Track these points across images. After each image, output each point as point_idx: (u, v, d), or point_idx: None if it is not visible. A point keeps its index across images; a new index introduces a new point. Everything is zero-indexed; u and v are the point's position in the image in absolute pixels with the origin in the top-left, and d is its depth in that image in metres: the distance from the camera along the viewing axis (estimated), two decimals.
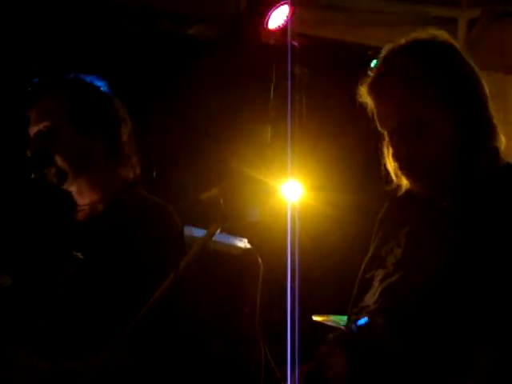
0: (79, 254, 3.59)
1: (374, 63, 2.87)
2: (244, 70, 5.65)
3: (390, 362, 2.76)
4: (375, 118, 2.86)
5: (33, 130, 3.69)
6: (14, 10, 5.40)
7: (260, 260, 4.21)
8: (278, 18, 5.38)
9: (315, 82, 5.15)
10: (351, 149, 4.69)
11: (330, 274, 4.52)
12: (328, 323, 4.11)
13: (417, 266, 2.81)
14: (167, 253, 3.42)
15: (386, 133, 2.85)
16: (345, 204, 4.88)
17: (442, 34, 2.89)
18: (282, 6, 5.35)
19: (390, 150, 2.86)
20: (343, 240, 4.60)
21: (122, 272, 3.45)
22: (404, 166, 2.83)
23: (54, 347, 3.51)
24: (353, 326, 2.87)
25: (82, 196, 3.70)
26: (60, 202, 3.77)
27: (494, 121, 2.84)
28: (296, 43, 5.14)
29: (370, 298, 2.88)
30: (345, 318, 3.09)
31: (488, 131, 2.83)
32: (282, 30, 5.36)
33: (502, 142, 2.86)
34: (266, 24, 5.40)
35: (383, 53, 2.86)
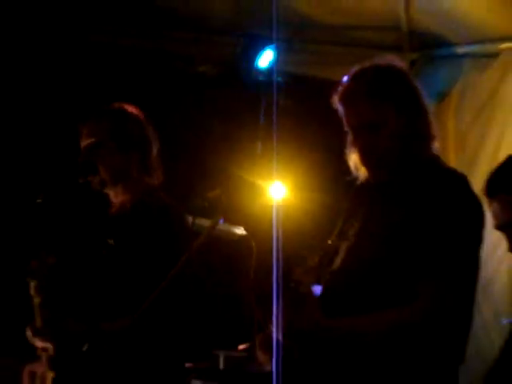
0: (111, 241, 3.61)
1: (344, 79, 2.91)
2: (240, 100, 5.66)
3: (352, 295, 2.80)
4: (343, 119, 2.90)
5: (83, 143, 3.71)
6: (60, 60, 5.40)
7: (253, 244, 4.23)
8: (265, 59, 5.38)
9: (295, 108, 5.16)
10: (323, 158, 4.72)
11: (307, 253, 4.53)
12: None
13: (370, 233, 2.85)
14: (176, 240, 3.45)
15: (350, 132, 2.89)
16: (318, 200, 4.90)
17: (397, 61, 2.95)
18: (268, 51, 5.35)
19: (352, 147, 2.90)
20: (317, 227, 4.62)
21: (143, 254, 3.48)
22: (362, 156, 2.86)
23: (89, 312, 3.53)
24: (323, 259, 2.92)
25: (116, 197, 3.71)
26: (99, 202, 3.79)
27: (432, 127, 2.89)
28: (280, 79, 5.15)
29: (339, 259, 2.93)
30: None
31: (427, 133, 2.88)
32: (269, 69, 5.37)
33: (437, 144, 2.91)
34: (257, 64, 5.40)
35: (352, 71, 2.91)
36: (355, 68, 2.91)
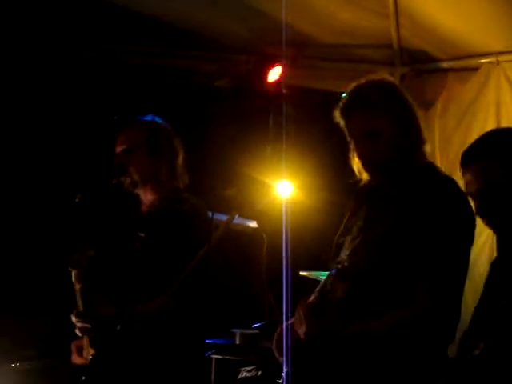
0: (142, 234, 3.60)
1: (343, 95, 2.89)
2: (252, 109, 5.64)
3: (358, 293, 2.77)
4: (345, 131, 2.88)
5: (118, 148, 3.70)
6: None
7: (264, 236, 4.21)
8: (274, 74, 5.36)
9: (300, 116, 5.13)
10: (325, 159, 4.70)
11: (312, 243, 4.51)
12: (310, 277, 4.11)
13: (372, 231, 2.82)
14: (198, 232, 3.43)
15: (352, 141, 2.87)
16: (322, 197, 4.88)
17: (389, 77, 2.93)
18: (277, 66, 5.34)
19: (355, 154, 2.88)
20: (322, 221, 4.60)
21: (169, 245, 3.47)
22: (364, 162, 2.85)
23: (122, 296, 3.51)
24: (333, 271, 2.89)
25: (145, 197, 3.70)
26: (130, 201, 3.78)
27: (424, 134, 2.87)
28: (286, 91, 5.13)
29: (344, 254, 2.90)
30: (321, 273, 3.09)
31: (419, 139, 2.86)
32: (277, 82, 5.35)
33: (428, 147, 2.89)
34: (267, 78, 5.39)
35: (350, 87, 2.89)
36: (352, 84, 2.89)
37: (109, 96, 5.45)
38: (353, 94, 2.87)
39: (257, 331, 4.58)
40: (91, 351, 3.54)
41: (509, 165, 2.54)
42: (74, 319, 3.54)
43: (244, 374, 4.45)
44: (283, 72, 5.30)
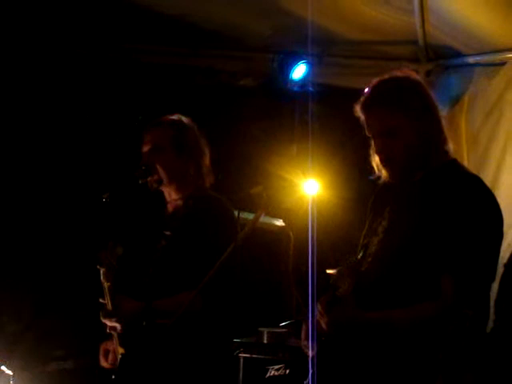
0: (168, 233, 3.61)
1: (365, 90, 2.88)
2: (277, 108, 5.64)
3: (383, 288, 2.77)
4: (364, 126, 2.88)
5: (145, 148, 3.71)
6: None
7: (291, 234, 4.20)
8: (299, 72, 5.36)
9: (325, 114, 5.13)
10: (352, 157, 4.69)
11: (338, 242, 4.51)
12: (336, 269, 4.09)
13: (397, 230, 2.82)
14: (224, 229, 3.43)
15: (371, 137, 2.86)
16: (347, 195, 4.87)
17: (413, 74, 2.92)
18: (302, 64, 5.34)
19: (374, 150, 2.87)
20: (347, 219, 4.59)
21: (195, 243, 3.48)
22: (383, 159, 2.84)
23: (148, 293, 3.52)
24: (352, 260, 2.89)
25: (170, 196, 3.72)
26: (156, 199, 3.79)
27: (445, 132, 2.85)
28: (311, 88, 5.13)
29: (369, 255, 2.89)
30: None
31: (440, 138, 2.85)
32: (303, 80, 5.34)
33: (451, 146, 2.87)
34: (291, 77, 5.38)
35: (372, 83, 2.88)
36: (375, 80, 2.89)
37: (134, 96, 5.47)
38: (374, 90, 2.86)
39: (284, 330, 4.58)
40: (120, 350, 3.55)
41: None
42: (103, 319, 3.55)
43: (272, 372, 4.45)
44: (308, 70, 5.30)
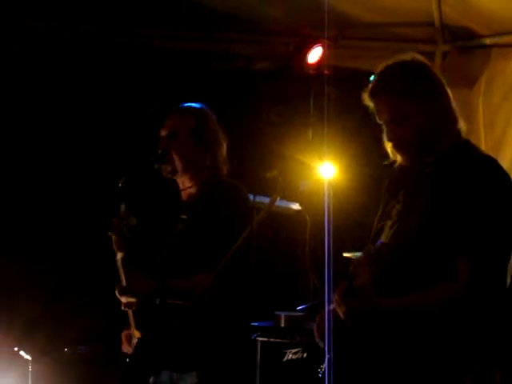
0: (184, 216, 3.60)
1: (372, 77, 2.86)
2: (293, 91, 5.63)
3: (400, 273, 2.75)
4: (375, 114, 2.86)
5: (163, 132, 3.70)
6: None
7: (307, 217, 4.18)
8: (315, 55, 5.34)
9: (341, 97, 5.12)
10: (368, 140, 4.67)
11: (354, 225, 4.50)
12: (353, 258, 4.09)
13: (411, 213, 2.80)
14: (239, 213, 3.42)
15: (382, 124, 2.85)
16: (363, 178, 4.86)
17: (419, 57, 2.89)
18: (318, 47, 5.31)
19: (386, 136, 2.86)
20: (363, 202, 4.58)
21: (211, 226, 3.47)
22: (395, 145, 2.83)
23: (163, 273, 3.51)
24: (371, 248, 2.87)
25: (183, 184, 3.70)
26: (171, 185, 3.78)
27: (456, 112, 2.83)
28: (327, 72, 5.11)
29: (384, 238, 2.88)
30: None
31: (450, 119, 2.82)
32: (318, 63, 5.33)
33: (463, 125, 2.85)
34: (307, 60, 5.37)
35: (378, 69, 2.86)
36: (380, 65, 2.86)
37: (149, 82, 5.48)
38: (380, 77, 2.84)
39: (301, 313, 4.58)
40: (137, 334, 3.55)
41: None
42: (118, 294, 3.54)
43: (289, 356, 4.46)
44: (324, 53, 5.28)
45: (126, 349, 3.71)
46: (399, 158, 2.88)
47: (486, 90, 5.02)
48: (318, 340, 2.91)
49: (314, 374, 2.84)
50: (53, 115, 5.57)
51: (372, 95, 2.84)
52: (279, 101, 5.67)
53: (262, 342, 4.49)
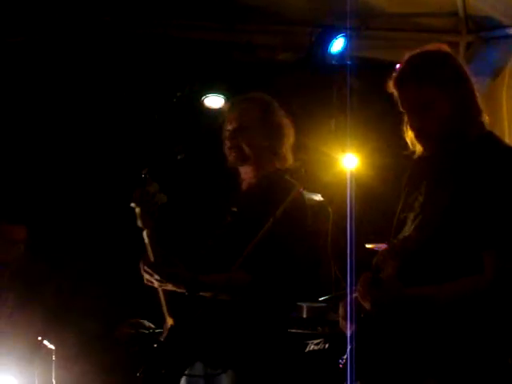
0: (234, 209, 3.58)
1: (398, 65, 2.86)
2: (316, 81, 5.62)
3: (424, 266, 2.75)
4: (398, 102, 2.86)
5: (229, 126, 3.67)
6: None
7: (330, 208, 4.18)
8: (337, 46, 5.33)
9: (364, 88, 5.10)
10: (389, 130, 4.65)
11: (376, 216, 4.48)
12: (376, 249, 4.08)
13: (434, 205, 2.79)
14: (290, 218, 3.33)
15: (405, 112, 2.84)
16: (385, 169, 4.84)
17: (445, 47, 2.89)
18: (340, 38, 5.30)
19: (408, 125, 2.85)
20: (385, 193, 4.56)
21: (256, 224, 3.37)
22: (417, 133, 2.82)
23: (202, 263, 3.50)
24: (396, 241, 2.86)
25: (246, 174, 3.68)
26: (231, 176, 3.75)
27: (479, 104, 2.82)
28: (349, 62, 5.11)
29: (407, 230, 2.87)
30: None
31: (474, 109, 2.81)
32: (340, 54, 5.32)
33: (486, 118, 2.84)
34: (330, 50, 5.36)
35: (405, 58, 2.86)
36: (407, 55, 2.86)
37: (172, 72, 5.48)
38: (406, 65, 2.84)
39: (324, 304, 4.58)
40: (170, 321, 3.52)
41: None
42: (143, 268, 3.43)
43: (312, 346, 4.47)
44: (347, 44, 5.27)
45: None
46: (418, 149, 2.87)
47: (509, 82, 4.98)
48: (342, 323, 2.91)
49: (336, 365, 2.84)
50: (73, 108, 5.59)
51: (397, 82, 2.84)
52: (302, 91, 5.65)
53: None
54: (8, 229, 5.09)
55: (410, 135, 2.88)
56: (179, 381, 3.50)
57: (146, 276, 3.45)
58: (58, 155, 5.65)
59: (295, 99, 5.63)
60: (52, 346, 4.66)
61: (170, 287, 3.44)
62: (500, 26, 4.99)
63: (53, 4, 5.10)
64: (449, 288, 2.66)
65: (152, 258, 3.45)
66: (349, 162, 4.24)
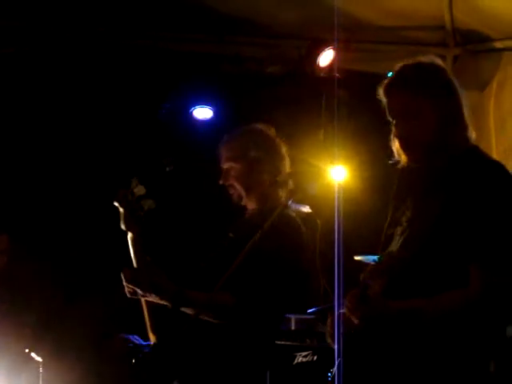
0: (231, 234, 3.56)
1: (389, 73, 2.88)
2: (304, 93, 5.62)
3: (411, 283, 2.74)
4: (386, 109, 2.87)
5: (223, 165, 3.68)
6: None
7: (318, 220, 4.17)
8: (326, 59, 5.34)
9: (352, 100, 5.10)
10: (378, 142, 4.65)
11: (365, 228, 4.47)
12: (364, 261, 4.08)
13: (421, 220, 2.79)
14: (285, 251, 3.35)
15: (391, 120, 2.85)
16: (374, 181, 4.84)
17: (437, 60, 2.90)
18: (328, 51, 5.31)
19: (394, 134, 2.86)
20: (373, 205, 4.56)
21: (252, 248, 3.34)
22: (404, 141, 2.83)
23: (191, 283, 3.47)
24: (384, 257, 2.85)
25: (251, 206, 3.66)
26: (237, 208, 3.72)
27: (466, 119, 2.84)
28: (338, 75, 5.11)
29: (394, 246, 2.87)
30: (376, 257, 3.06)
31: (460, 124, 2.83)
32: (329, 66, 5.32)
33: (473, 133, 2.85)
34: (318, 63, 5.36)
35: (396, 67, 2.87)
36: (399, 64, 2.88)
37: (160, 84, 5.48)
38: (397, 73, 2.87)
39: (312, 316, 4.56)
40: (152, 337, 3.49)
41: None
42: (125, 277, 3.36)
43: (300, 359, 4.44)
44: (335, 56, 5.27)
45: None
46: (403, 159, 2.88)
47: (497, 94, 5.00)
48: (329, 341, 2.90)
49: (324, 378, 2.83)
50: (63, 117, 5.58)
51: (387, 90, 2.86)
52: (290, 103, 5.66)
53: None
54: None
55: (396, 145, 2.89)
56: None
57: (129, 285, 3.38)
58: (47, 164, 5.63)
59: (283, 111, 5.64)
60: (39, 359, 4.62)
61: (152, 298, 3.38)
62: (487, 39, 5.02)
63: (44, 15, 5.09)
64: (435, 301, 2.66)
65: (135, 264, 3.40)
66: (337, 173, 4.22)
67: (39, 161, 5.62)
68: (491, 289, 2.61)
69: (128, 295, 3.42)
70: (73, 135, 5.61)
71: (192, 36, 5.40)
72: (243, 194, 3.62)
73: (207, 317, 3.32)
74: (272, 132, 3.73)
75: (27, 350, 4.63)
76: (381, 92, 2.87)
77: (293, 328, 4.52)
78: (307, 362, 4.38)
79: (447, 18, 4.85)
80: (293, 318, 4.53)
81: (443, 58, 4.96)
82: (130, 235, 3.42)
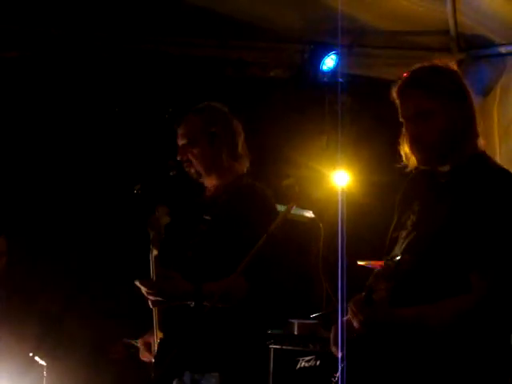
0: (208, 217, 3.59)
1: (404, 74, 2.89)
2: (307, 99, 5.63)
3: (417, 287, 2.75)
4: (399, 109, 2.86)
5: (179, 142, 3.70)
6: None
7: (321, 225, 4.19)
8: (329, 63, 5.35)
9: (355, 105, 5.12)
10: (381, 147, 4.67)
11: (367, 232, 4.48)
12: (368, 266, 4.08)
13: (426, 224, 2.79)
14: (265, 218, 3.37)
15: (404, 121, 2.85)
16: (376, 186, 4.84)
17: (453, 64, 2.91)
18: (332, 55, 5.32)
19: (404, 138, 2.86)
20: (377, 209, 4.56)
21: (236, 229, 3.44)
22: (412, 142, 2.82)
23: (194, 274, 3.49)
24: (390, 262, 2.85)
25: (211, 182, 3.69)
26: (195, 187, 3.76)
27: (478, 126, 2.83)
28: (341, 80, 5.12)
29: (398, 249, 2.86)
30: (380, 262, 3.06)
31: (471, 130, 2.83)
32: (332, 71, 5.33)
33: (481, 141, 2.85)
34: (322, 68, 5.37)
35: (411, 68, 2.88)
36: (415, 66, 2.89)
37: (164, 89, 5.49)
38: (412, 74, 2.86)
39: (315, 321, 4.57)
40: (159, 335, 3.52)
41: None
42: (145, 289, 3.42)
43: (303, 363, 4.45)
44: (338, 61, 5.28)
45: (146, 357, 3.69)
46: (412, 162, 2.88)
47: (501, 99, 5.01)
48: (333, 349, 2.91)
49: (327, 382, 2.83)
50: (64, 122, 5.59)
51: (401, 90, 2.86)
52: (294, 108, 5.67)
53: (274, 349, 4.48)
54: None
55: (405, 149, 2.89)
56: None
57: (150, 298, 3.46)
58: (49, 166, 5.64)
59: (287, 116, 5.65)
60: (43, 362, 4.63)
61: (175, 302, 3.46)
62: (491, 44, 5.02)
63: (46, 19, 5.10)
64: (439, 308, 2.66)
65: (154, 278, 3.48)
66: (340, 178, 4.24)
67: (40, 163, 5.62)
68: (494, 295, 2.61)
69: (151, 306, 3.50)
70: (74, 138, 5.62)
71: (195, 40, 5.40)
72: (202, 170, 3.65)
73: (221, 305, 3.35)
74: (227, 109, 3.77)
75: (31, 354, 4.64)
76: (394, 93, 2.88)
77: (296, 332, 4.54)
78: (310, 366, 4.39)
79: (451, 23, 4.85)
80: (296, 322, 4.55)
81: None
82: (155, 252, 3.51)
